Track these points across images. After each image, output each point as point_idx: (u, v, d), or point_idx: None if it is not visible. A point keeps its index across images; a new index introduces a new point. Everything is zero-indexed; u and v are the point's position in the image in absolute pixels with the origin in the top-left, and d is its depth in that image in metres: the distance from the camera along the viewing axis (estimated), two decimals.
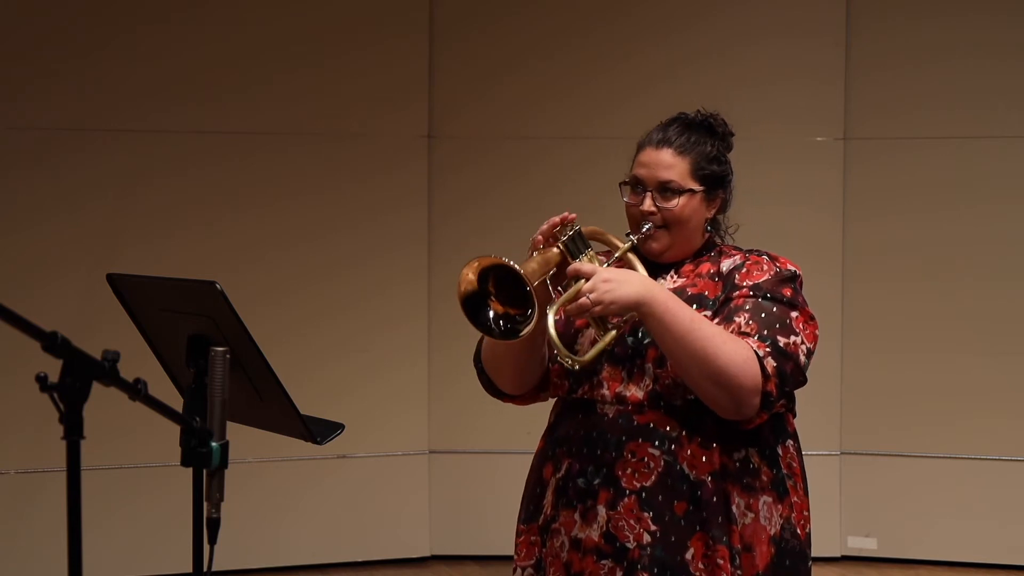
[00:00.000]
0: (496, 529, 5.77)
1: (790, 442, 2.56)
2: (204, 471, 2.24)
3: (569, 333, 2.56)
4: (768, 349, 2.39)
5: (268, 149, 5.65)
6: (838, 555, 5.87)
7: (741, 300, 2.47)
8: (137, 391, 1.95)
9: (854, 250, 5.86)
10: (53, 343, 1.78)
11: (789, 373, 2.40)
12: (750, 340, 2.40)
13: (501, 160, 5.91)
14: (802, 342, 2.44)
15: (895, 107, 5.82)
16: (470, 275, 2.35)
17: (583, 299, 2.37)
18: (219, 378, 2.22)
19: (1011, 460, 5.76)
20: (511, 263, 2.32)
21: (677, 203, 2.54)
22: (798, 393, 2.53)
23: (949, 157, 5.79)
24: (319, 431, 2.49)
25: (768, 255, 2.56)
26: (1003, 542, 5.77)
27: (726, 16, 5.89)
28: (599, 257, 2.49)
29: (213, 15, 5.58)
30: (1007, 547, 5.77)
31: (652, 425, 2.46)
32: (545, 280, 2.44)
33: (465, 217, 5.88)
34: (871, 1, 5.84)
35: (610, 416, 2.49)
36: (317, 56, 5.69)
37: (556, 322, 2.50)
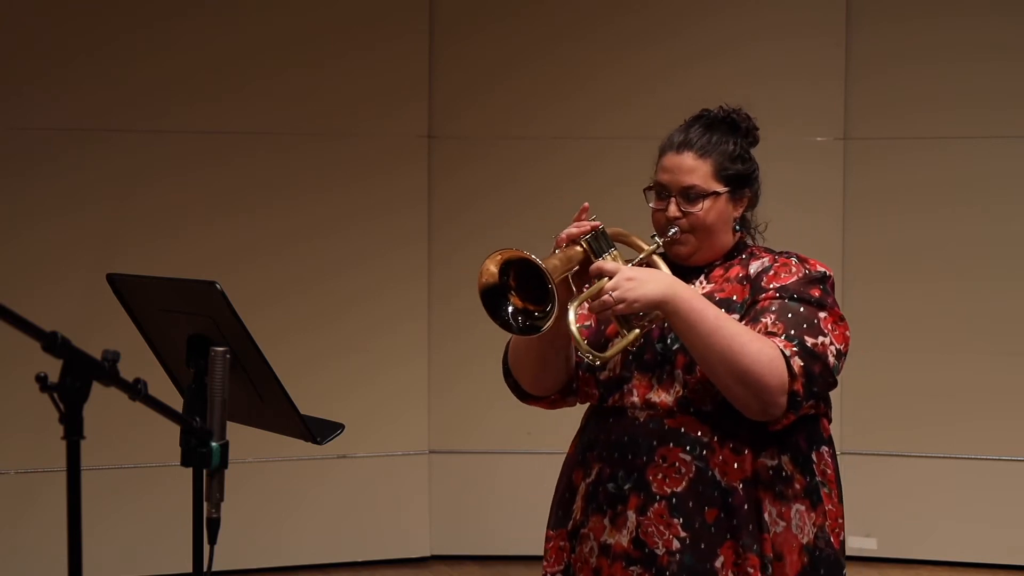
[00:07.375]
0: (496, 529, 5.79)
1: (825, 448, 2.53)
2: (204, 471, 2.24)
3: (599, 342, 2.51)
4: (795, 348, 2.35)
5: (268, 149, 5.65)
6: None
7: (767, 302, 2.43)
8: (137, 391, 1.95)
9: (854, 250, 5.85)
10: (53, 343, 1.78)
11: (817, 374, 2.37)
12: (776, 339, 2.36)
13: (501, 160, 5.91)
14: (831, 343, 2.40)
15: (895, 107, 5.82)
16: (491, 267, 2.32)
17: (606, 296, 2.34)
18: (219, 378, 2.22)
19: (1011, 460, 5.76)
20: (533, 257, 2.28)
21: (702, 207, 2.50)
22: None
23: (949, 157, 5.79)
24: (319, 431, 2.49)
25: (797, 256, 2.52)
26: (1003, 542, 5.77)
27: (726, 16, 5.89)
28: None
29: (213, 15, 5.58)
30: (1007, 547, 5.77)
31: (683, 430, 2.43)
32: (567, 278, 2.41)
33: (465, 217, 5.88)
34: (871, 1, 5.83)
35: (641, 420, 2.46)
36: (317, 56, 5.69)
37: (584, 329, 2.49)
